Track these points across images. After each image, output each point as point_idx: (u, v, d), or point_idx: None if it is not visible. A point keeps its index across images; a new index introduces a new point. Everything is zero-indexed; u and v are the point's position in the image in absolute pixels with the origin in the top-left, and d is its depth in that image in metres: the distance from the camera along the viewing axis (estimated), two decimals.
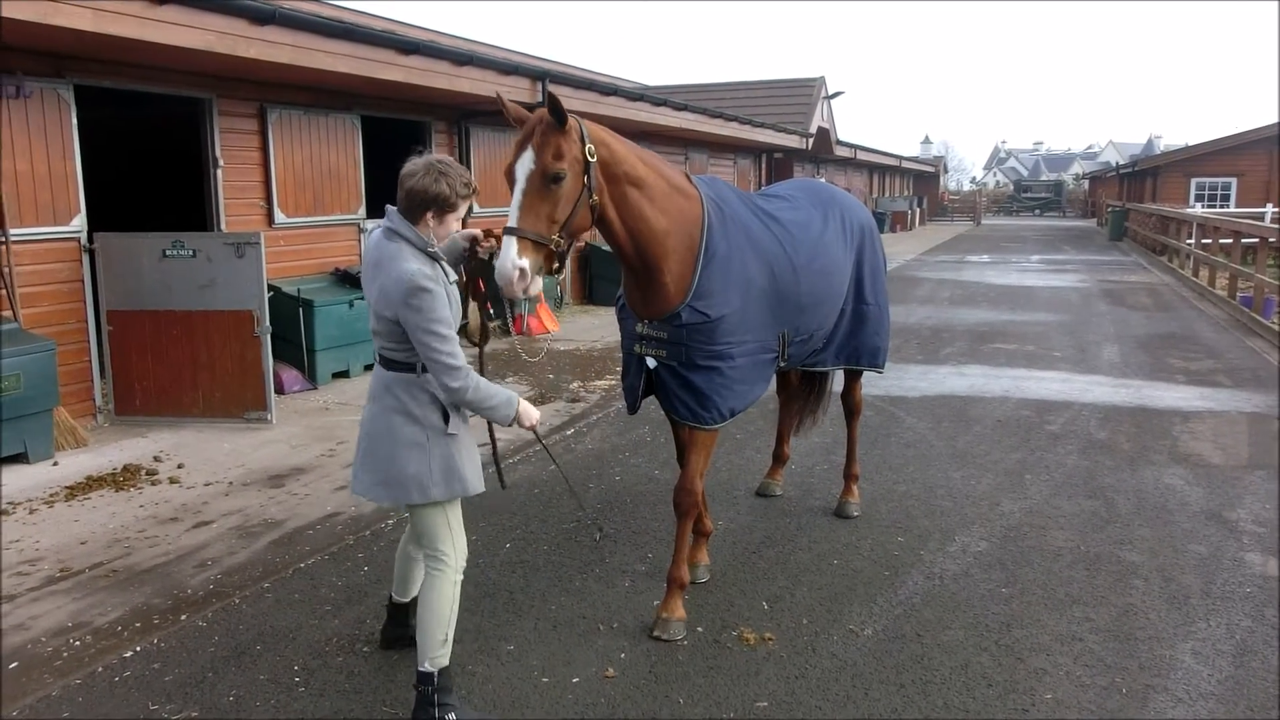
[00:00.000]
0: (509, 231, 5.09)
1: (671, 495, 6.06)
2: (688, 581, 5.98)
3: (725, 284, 5.75)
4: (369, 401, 4.76)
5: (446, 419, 4.64)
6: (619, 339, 6.24)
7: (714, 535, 6.68)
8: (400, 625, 5.38)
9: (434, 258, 4.60)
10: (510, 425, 4.75)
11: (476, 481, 4.76)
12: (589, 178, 5.29)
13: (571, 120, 5.20)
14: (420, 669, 4.72)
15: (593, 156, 5.31)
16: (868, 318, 7.16)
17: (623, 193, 5.48)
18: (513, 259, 5.00)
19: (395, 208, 4.64)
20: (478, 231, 5.33)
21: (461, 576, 4.84)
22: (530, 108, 5.42)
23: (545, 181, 5.11)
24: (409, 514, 4.92)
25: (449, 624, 4.76)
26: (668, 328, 5.73)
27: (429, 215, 4.55)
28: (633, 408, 6.21)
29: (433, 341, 4.41)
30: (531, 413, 4.82)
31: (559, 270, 5.40)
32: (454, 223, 4.67)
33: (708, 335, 5.70)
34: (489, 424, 5.04)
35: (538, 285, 5.16)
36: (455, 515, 4.80)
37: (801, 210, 6.64)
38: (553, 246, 5.18)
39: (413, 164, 4.60)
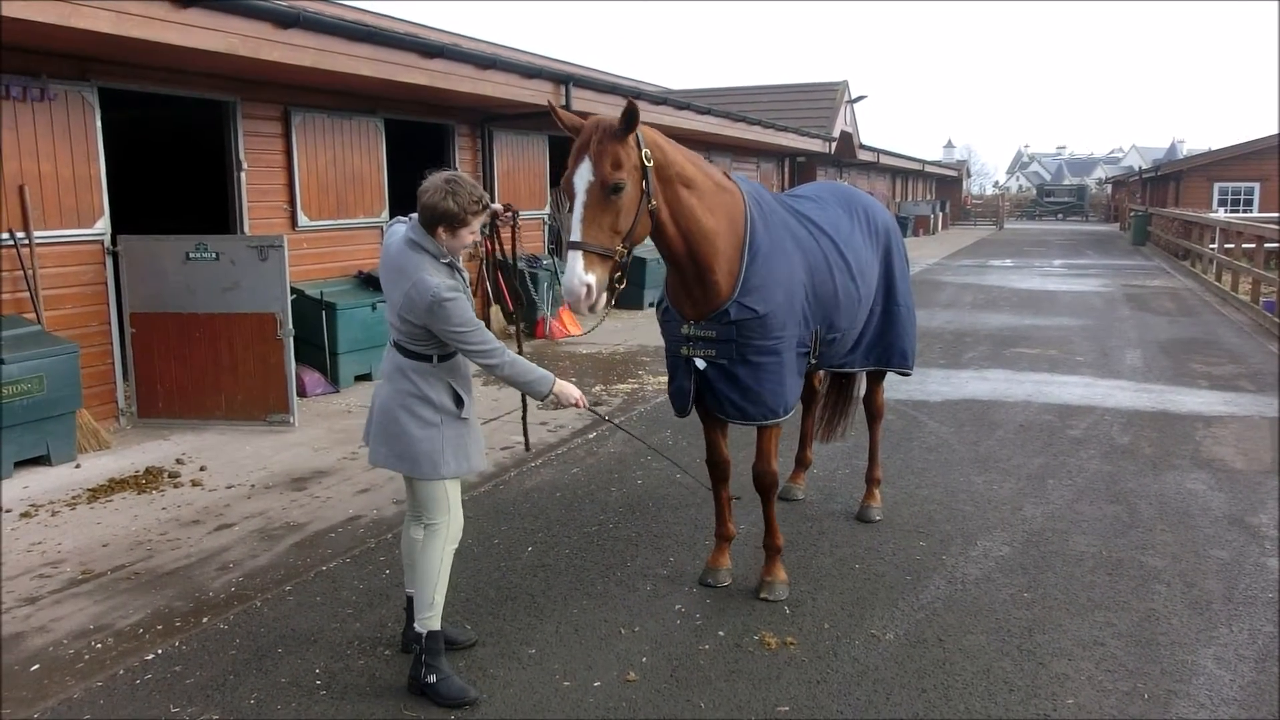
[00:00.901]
0: (574, 246, 5.07)
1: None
2: (782, 545, 6.32)
3: (770, 279, 5.76)
4: (383, 380, 5.09)
5: (459, 404, 4.99)
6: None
7: (736, 539, 6.67)
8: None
9: (451, 266, 4.91)
10: (547, 400, 5.08)
11: (480, 461, 5.18)
12: (647, 183, 5.26)
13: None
14: (414, 628, 5.09)
15: (649, 161, 5.26)
16: (898, 319, 7.19)
17: (676, 194, 5.47)
18: (579, 275, 5.02)
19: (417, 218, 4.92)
20: (497, 206, 5.49)
21: (454, 547, 5.15)
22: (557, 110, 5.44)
23: (606, 192, 5.09)
24: (408, 494, 5.28)
25: (436, 587, 5.04)
26: (716, 326, 5.73)
27: (441, 230, 4.83)
28: (683, 411, 6.16)
29: (463, 339, 4.78)
30: (570, 391, 5.14)
31: (621, 282, 5.36)
32: (467, 236, 4.90)
33: (756, 330, 5.72)
34: (522, 396, 5.39)
35: (604, 300, 5.15)
36: (455, 491, 5.10)
37: (829, 210, 6.67)
38: (617, 258, 5.17)
39: (429, 180, 4.86)
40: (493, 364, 4.85)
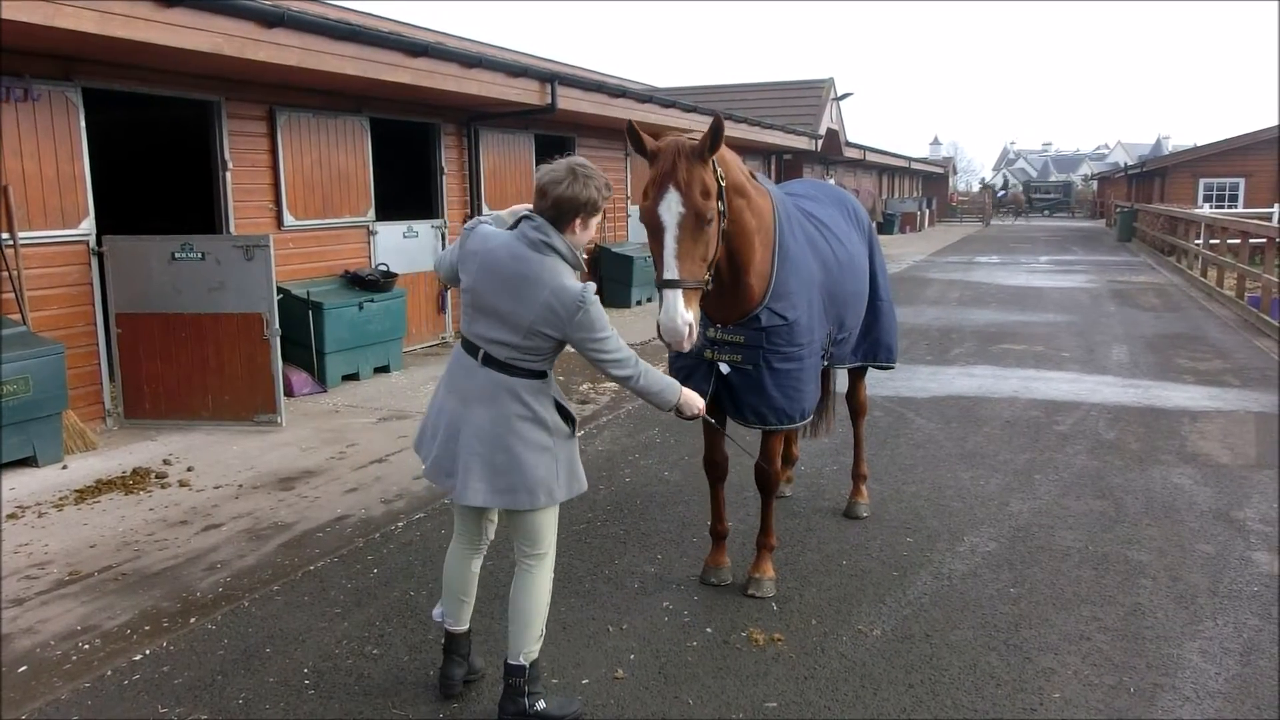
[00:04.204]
0: (671, 285, 4.82)
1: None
2: (775, 545, 6.31)
3: (798, 284, 5.70)
4: (474, 404, 4.47)
5: (569, 421, 4.58)
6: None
7: (726, 536, 6.68)
8: (462, 662, 5.03)
9: (575, 266, 4.45)
10: (670, 411, 4.74)
11: (584, 479, 4.72)
12: (723, 203, 5.05)
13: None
14: (511, 662, 4.67)
15: (723, 180, 5.05)
16: (882, 314, 7.29)
17: (736, 207, 5.29)
18: (682, 315, 4.79)
19: (540, 217, 4.44)
20: (528, 207, 5.18)
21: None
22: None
23: (700, 224, 4.84)
24: (461, 519, 4.89)
25: (545, 616, 4.73)
26: (745, 331, 5.62)
27: (576, 221, 4.42)
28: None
29: (602, 347, 4.37)
30: (695, 400, 4.82)
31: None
32: (595, 228, 4.54)
33: (785, 337, 5.64)
34: None
35: (694, 336, 4.91)
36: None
37: (828, 209, 6.71)
38: (704, 286, 4.98)
39: (553, 171, 4.43)
40: (626, 374, 4.44)
